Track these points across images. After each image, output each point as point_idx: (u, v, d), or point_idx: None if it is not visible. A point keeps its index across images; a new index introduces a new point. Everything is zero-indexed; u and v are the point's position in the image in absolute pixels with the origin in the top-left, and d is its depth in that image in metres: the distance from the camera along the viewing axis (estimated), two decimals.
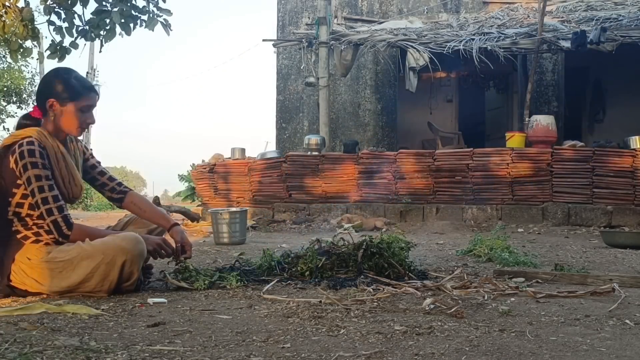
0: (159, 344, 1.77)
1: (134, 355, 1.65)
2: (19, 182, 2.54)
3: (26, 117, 2.76)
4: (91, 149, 3.07)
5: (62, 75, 2.70)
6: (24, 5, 5.10)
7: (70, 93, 2.65)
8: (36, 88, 3.32)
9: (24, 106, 20.31)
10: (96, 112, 2.79)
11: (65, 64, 6.66)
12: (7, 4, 4.96)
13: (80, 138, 2.90)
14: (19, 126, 2.71)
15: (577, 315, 2.21)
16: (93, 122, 2.75)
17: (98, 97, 2.76)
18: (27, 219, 2.57)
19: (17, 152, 2.52)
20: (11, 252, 2.55)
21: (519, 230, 7.04)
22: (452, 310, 2.22)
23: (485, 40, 8.97)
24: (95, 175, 2.90)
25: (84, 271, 2.51)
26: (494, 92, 12.36)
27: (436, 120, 11.21)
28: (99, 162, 2.94)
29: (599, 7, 10.48)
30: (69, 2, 5.20)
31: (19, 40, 5.15)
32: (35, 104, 2.76)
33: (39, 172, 2.52)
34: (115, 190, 2.91)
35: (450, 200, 7.99)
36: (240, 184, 9.00)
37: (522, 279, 3.01)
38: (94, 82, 18.57)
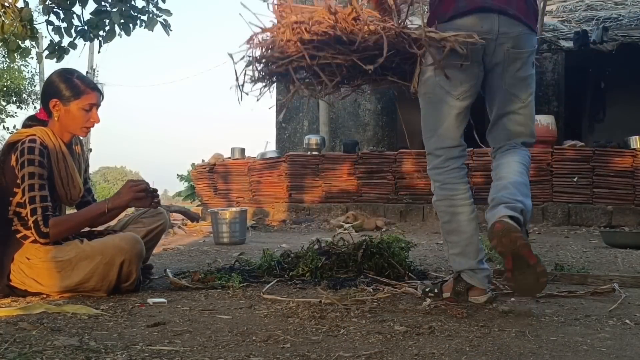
0: (159, 344, 1.77)
1: (134, 355, 1.65)
2: (18, 181, 2.53)
3: (31, 118, 2.76)
4: (90, 149, 3.09)
5: (65, 75, 2.70)
6: (23, 6, 5.10)
7: (72, 92, 2.65)
8: (36, 88, 3.34)
9: (23, 106, 20.31)
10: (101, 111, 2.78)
11: (64, 64, 6.67)
12: (6, 4, 4.97)
13: (85, 147, 2.90)
14: (24, 127, 2.70)
15: (577, 315, 2.21)
16: (97, 121, 2.73)
17: (102, 97, 2.74)
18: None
19: (18, 149, 2.53)
20: (11, 251, 2.55)
21: None
22: (452, 310, 2.22)
23: None
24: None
25: (83, 271, 2.51)
26: None
27: None
28: (89, 177, 2.97)
29: (599, 6, 10.48)
30: (68, 2, 5.21)
31: (18, 40, 5.16)
32: (41, 106, 2.76)
33: (33, 170, 2.51)
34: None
35: None
36: (240, 183, 8.99)
37: None
38: (96, 82, 18.54)
